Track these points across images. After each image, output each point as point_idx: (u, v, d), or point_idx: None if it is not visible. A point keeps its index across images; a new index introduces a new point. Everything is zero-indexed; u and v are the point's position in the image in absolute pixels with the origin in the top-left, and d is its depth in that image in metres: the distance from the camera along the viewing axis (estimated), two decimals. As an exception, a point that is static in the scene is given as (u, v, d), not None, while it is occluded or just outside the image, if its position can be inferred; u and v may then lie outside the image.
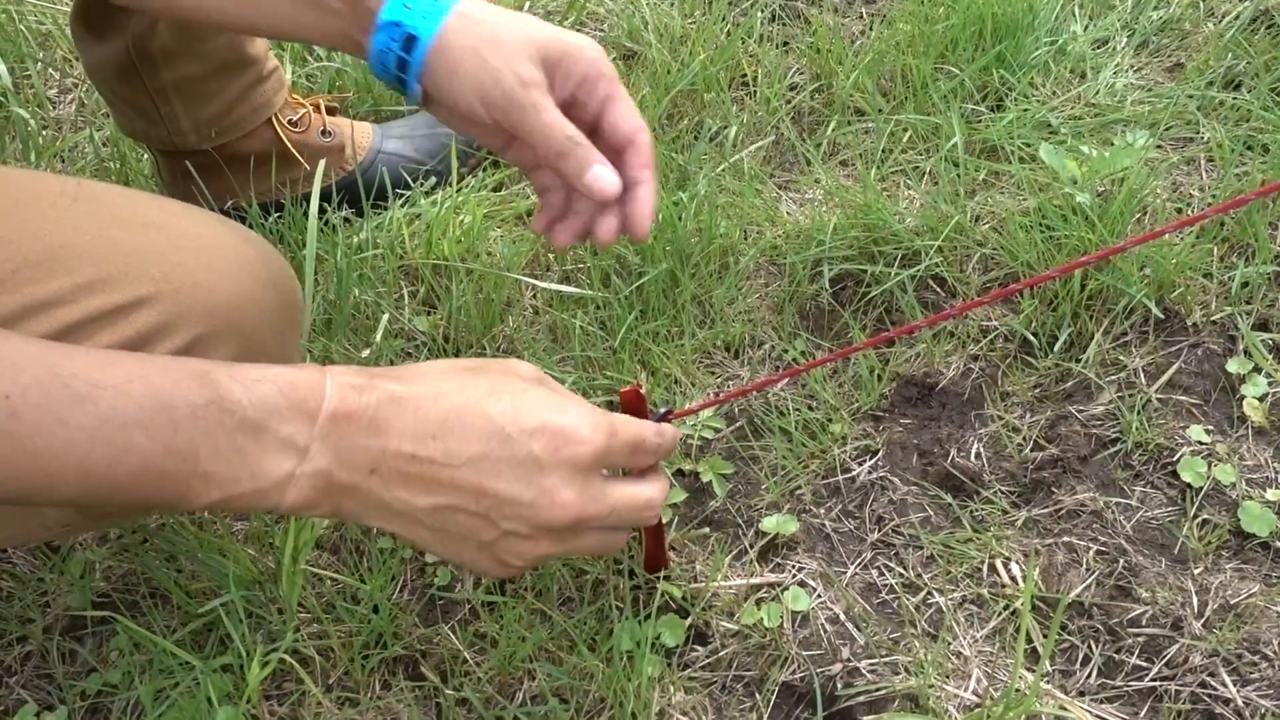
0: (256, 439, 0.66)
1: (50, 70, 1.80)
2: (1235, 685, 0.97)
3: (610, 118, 0.83)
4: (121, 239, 0.83)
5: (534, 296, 1.39)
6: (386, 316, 1.35)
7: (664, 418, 0.86)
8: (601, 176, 0.80)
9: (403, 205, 1.50)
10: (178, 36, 1.22)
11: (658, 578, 1.10)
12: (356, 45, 0.85)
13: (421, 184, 1.52)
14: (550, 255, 1.43)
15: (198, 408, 0.65)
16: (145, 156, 1.58)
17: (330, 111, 1.47)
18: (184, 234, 0.85)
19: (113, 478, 0.65)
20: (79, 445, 0.64)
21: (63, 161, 1.67)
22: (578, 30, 1.73)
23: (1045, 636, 1.03)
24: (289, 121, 1.39)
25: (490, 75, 0.78)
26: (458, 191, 1.51)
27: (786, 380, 1.26)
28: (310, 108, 1.43)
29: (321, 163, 1.34)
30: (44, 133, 1.70)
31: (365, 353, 1.33)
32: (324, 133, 1.43)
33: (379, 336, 1.34)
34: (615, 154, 0.83)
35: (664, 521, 1.15)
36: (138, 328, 0.81)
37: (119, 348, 0.80)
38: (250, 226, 1.43)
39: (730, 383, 1.28)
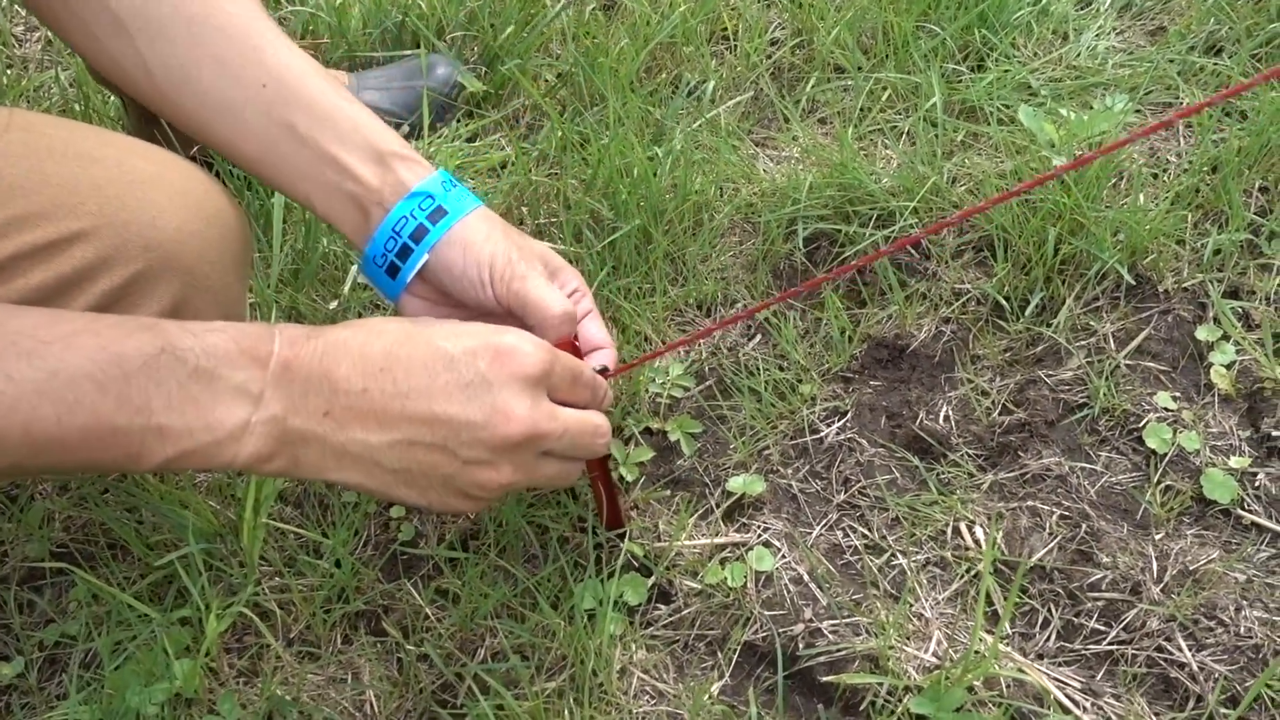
0: (209, 386, 0.66)
1: (15, 8, 1.75)
2: (1191, 650, 0.98)
3: (587, 330, 0.91)
4: (55, 171, 0.80)
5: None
6: (355, 268, 1.33)
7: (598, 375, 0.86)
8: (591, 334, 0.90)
9: (373, 155, 1.47)
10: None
11: (620, 536, 1.10)
12: (363, 214, 0.83)
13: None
14: (523, 208, 1.41)
15: (149, 356, 0.64)
16: (112, 99, 1.55)
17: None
18: (121, 167, 0.83)
19: (61, 437, 0.63)
20: (26, 401, 0.62)
21: (28, 102, 1.64)
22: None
23: (1004, 599, 1.03)
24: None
25: (503, 250, 0.82)
26: (430, 142, 1.49)
27: (741, 331, 1.26)
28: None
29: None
30: (9, 71, 1.67)
31: (333, 304, 1.32)
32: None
33: (347, 288, 1.33)
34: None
35: (620, 479, 1.14)
36: (74, 263, 0.78)
37: (54, 284, 0.78)
38: (217, 174, 1.41)
39: (701, 341, 1.27)
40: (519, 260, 0.82)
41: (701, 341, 1.26)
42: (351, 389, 0.69)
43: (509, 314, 0.82)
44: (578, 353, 0.87)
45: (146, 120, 1.35)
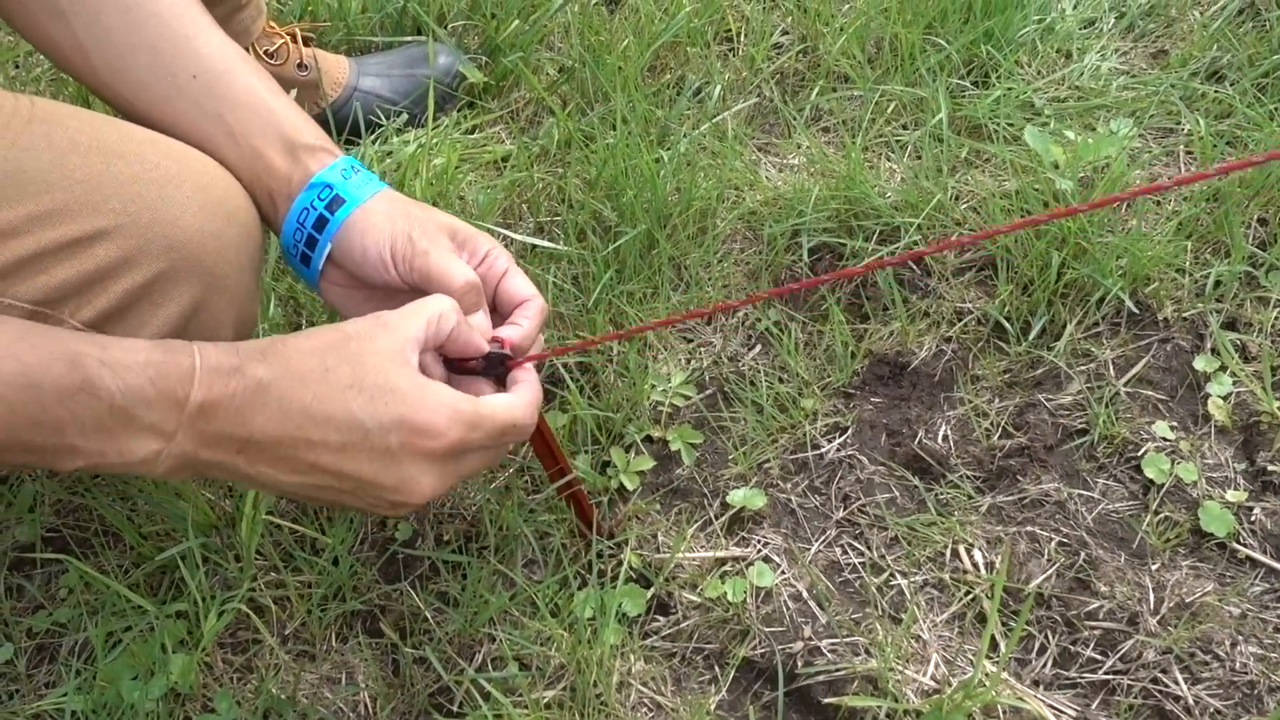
0: (124, 424, 0.67)
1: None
2: (1186, 683, 1.00)
3: (511, 285, 0.88)
4: (79, 166, 0.78)
5: (506, 246, 1.36)
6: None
7: (502, 362, 0.83)
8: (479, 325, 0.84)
9: (375, 142, 1.46)
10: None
11: (620, 543, 1.10)
12: (275, 205, 0.86)
13: (394, 121, 1.48)
14: (524, 205, 1.40)
15: (65, 391, 0.65)
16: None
17: (306, 41, 1.42)
18: (144, 163, 0.81)
19: None
20: None
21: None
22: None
23: (1004, 625, 1.05)
24: (266, 53, 1.34)
25: (401, 230, 0.82)
26: (431, 133, 1.47)
27: (742, 340, 1.26)
28: (287, 37, 1.37)
29: (292, 94, 1.29)
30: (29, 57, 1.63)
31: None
32: (300, 66, 1.38)
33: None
34: (503, 316, 0.88)
35: (620, 487, 1.14)
36: (97, 261, 0.77)
37: (76, 282, 0.77)
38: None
39: (702, 350, 1.27)
40: (419, 237, 0.82)
41: (702, 350, 1.27)
42: (265, 438, 0.70)
43: (416, 292, 0.82)
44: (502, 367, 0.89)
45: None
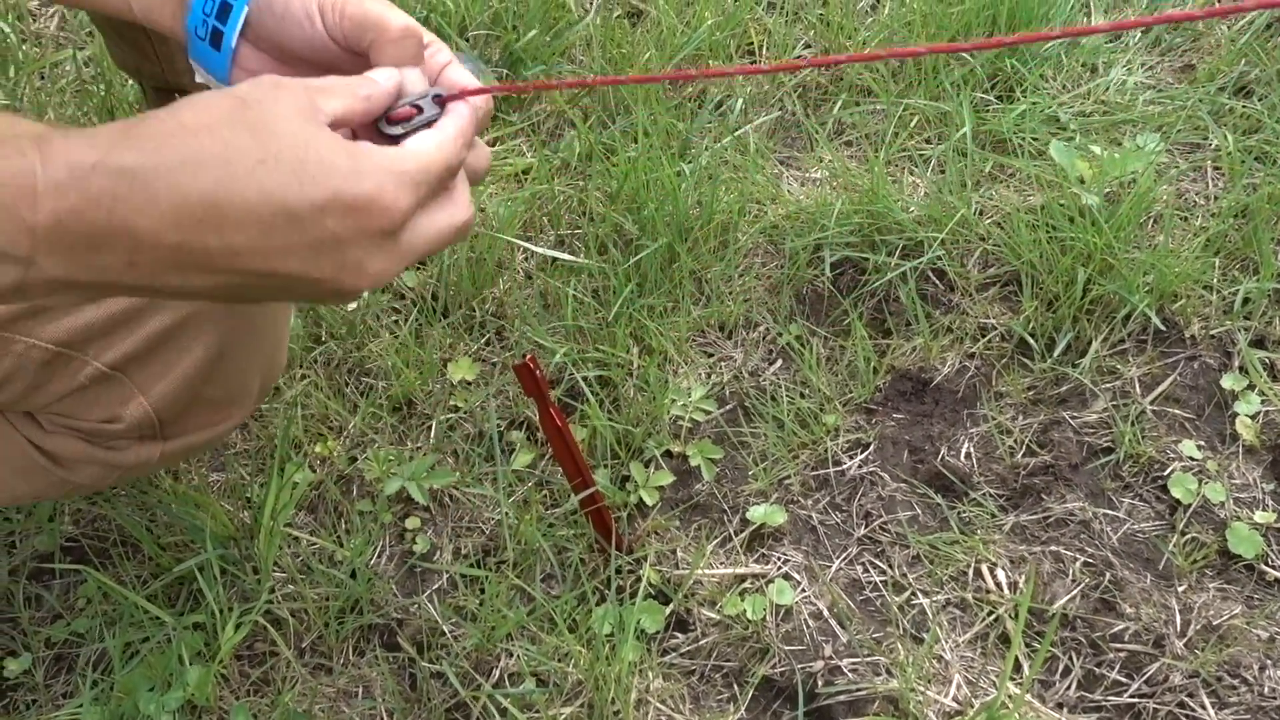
0: None
1: (32, -17, 1.73)
2: (1214, 707, 0.98)
3: (449, 78, 0.71)
4: None
5: (527, 259, 1.36)
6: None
7: (438, 99, 0.67)
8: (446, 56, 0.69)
9: (397, 155, 1.46)
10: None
11: (639, 559, 1.09)
12: (174, 6, 0.73)
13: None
14: (545, 218, 1.40)
15: None
16: (130, 84, 1.53)
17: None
18: None
19: None
20: None
21: (43, 78, 1.61)
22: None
23: (1028, 646, 1.03)
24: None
25: None
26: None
27: (763, 355, 1.25)
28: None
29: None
30: (23, 47, 1.64)
31: (352, 306, 1.30)
32: (321, 77, 1.38)
33: (366, 292, 1.31)
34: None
35: (640, 502, 1.13)
36: (123, 303, 0.77)
37: (104, 323, 0.77)
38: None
39: (722, 364, 1.26)
40: None
41: (722, 364, 1.26)
42: (161, 244, 0.53)
43: (348, 53, 0.70)
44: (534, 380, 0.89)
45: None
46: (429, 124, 0.64)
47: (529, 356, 0.91)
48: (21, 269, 0.53)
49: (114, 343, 0.78)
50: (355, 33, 0.68)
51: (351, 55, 0.69)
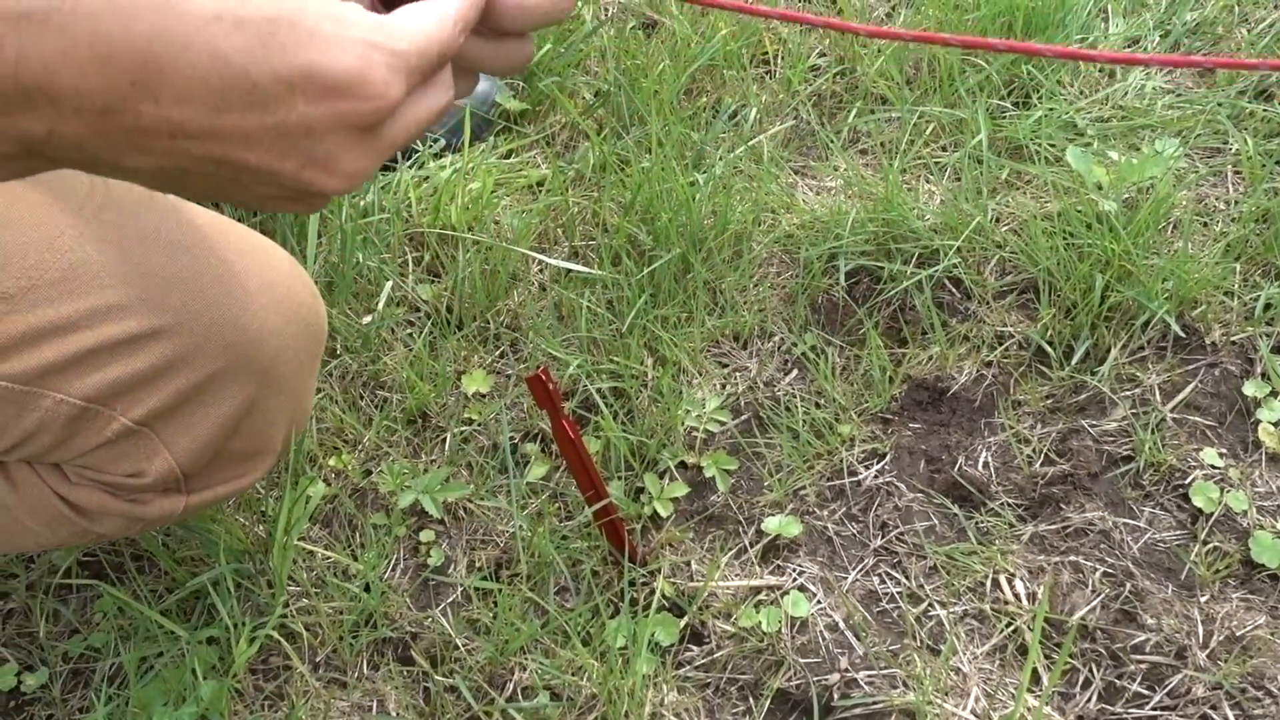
0: None
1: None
2: (1237, 721, 0.96)
3: None
4: (143, 260, 0.77)
5: (541, 271, 1.36)
6: (390, 284, 1.32)
7: None
8: None
9: (411, 167, 1.46)
10: None
11: (653, 571, 1.08)
12: None
13: (430, 146, 1.48)
14: (559, 229, 1.40)
15: None
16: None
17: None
18: (209, 259, 0.79)
19: None
20: None
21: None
22: (598, -2, 1.69)
23: (1046, 658, 1.02)
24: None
25: None
26: (467, 159, 1.47)
27: (778, 365, 1.24)
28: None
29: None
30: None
31: (367, 319, 1.30)
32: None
33: (381, 304, 1.31)
34: None
35: (654, 514, 1.13)
36: (152, 360, 0.77)
37: (130, 379, 0.77)
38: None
39: (737, 375, 1.26)
40: None
41: (738, 375, 1.25)
42: (86, 107, 0.42)
43: None
44: (546, 392, 0.89)
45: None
46: None
47: (541, 369, 0.90)
48: None
49: (141, 398, 0.78)
50: None
51: None
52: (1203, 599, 1.05)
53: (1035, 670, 1.00)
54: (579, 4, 1.64)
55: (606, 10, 1.70)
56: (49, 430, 0.78)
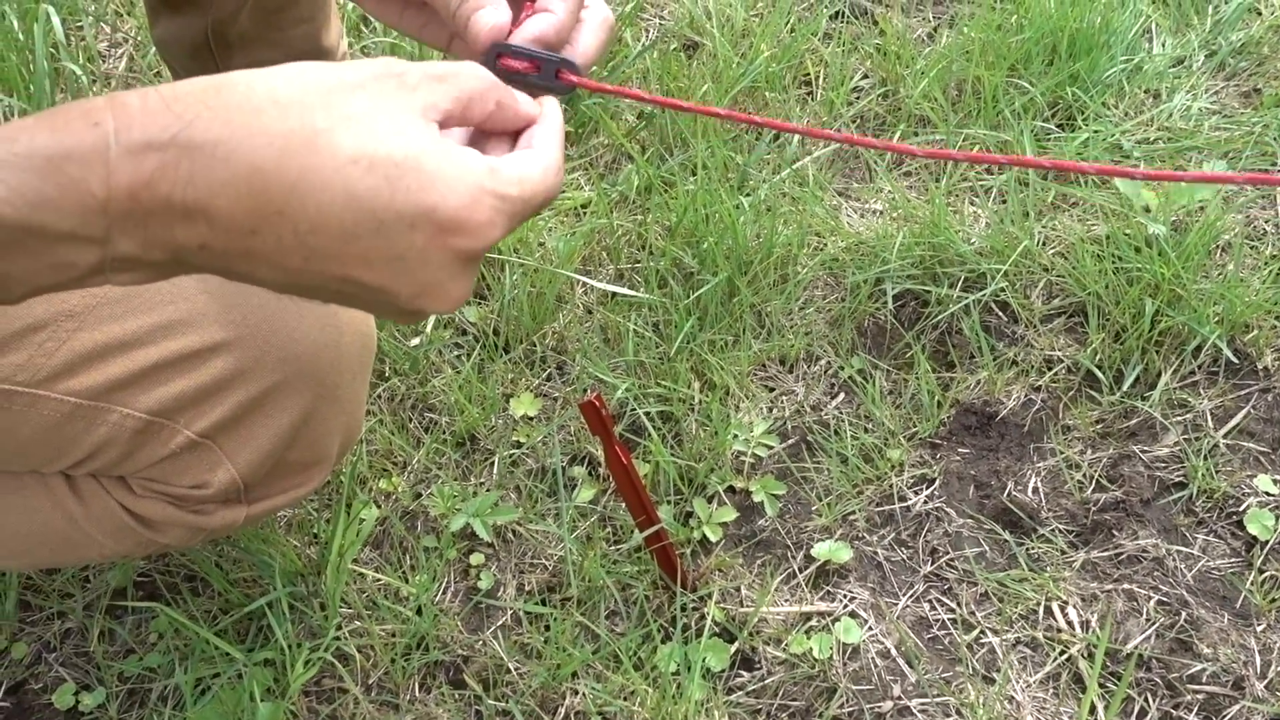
0: (34, 237, 0.48)
1: (101, 24, 1.77)
2: (1296, 753, 0.96)
3: None
4: (202, 276, 0.79)
5: (586, 293, 1.37)
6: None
7: (557, 74, 0.62)
8: (483, 13, 0.62)
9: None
10: (258, 23, 1.19)
11: (704, 596, 1.08)
12: None
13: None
14: (604, 252, 1.40)
15: None
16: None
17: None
18: None
19: None
20: None
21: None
22: (636, 18, 1.70)
23: (1102, 687, 1.01)
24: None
25: None
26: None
27: (825, 389, 1.24)
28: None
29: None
30: (93, 88, 1.68)
31: (415, 342, 1.31)
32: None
33: (429, 327, 1.32)
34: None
35: (703, 538, 1.13)
36: (214, 374, 0.79)
37: (193, 393, 0.79)
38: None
39: (784, 398, 1.26)
40: None
41: (784, 399, 1.25)
42: (235, 228, 0.49)
43: None
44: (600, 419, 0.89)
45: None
46: (539, 88, 0.61)
47: (595, 395, 0.91)
48: (98, 250, 0.49)
49: (204, 411, 0.80)
50: None
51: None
52: (1259, 628, 1.04)
53: (1092, 701, 1.00)
54: (623, 28, 1.66)
55: (648, 32, 1.71)
56: (115, 444, 0.81)
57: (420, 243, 0.51)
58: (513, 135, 0.59)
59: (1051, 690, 1.02)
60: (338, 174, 0.49)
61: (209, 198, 0.48)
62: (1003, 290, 1.29)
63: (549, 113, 0.60)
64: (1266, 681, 1.00)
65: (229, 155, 0.48)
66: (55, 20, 1.60)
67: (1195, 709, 0.99)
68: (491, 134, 0.59)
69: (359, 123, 0.50)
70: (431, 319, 1.32)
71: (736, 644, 1.06)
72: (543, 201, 0.56)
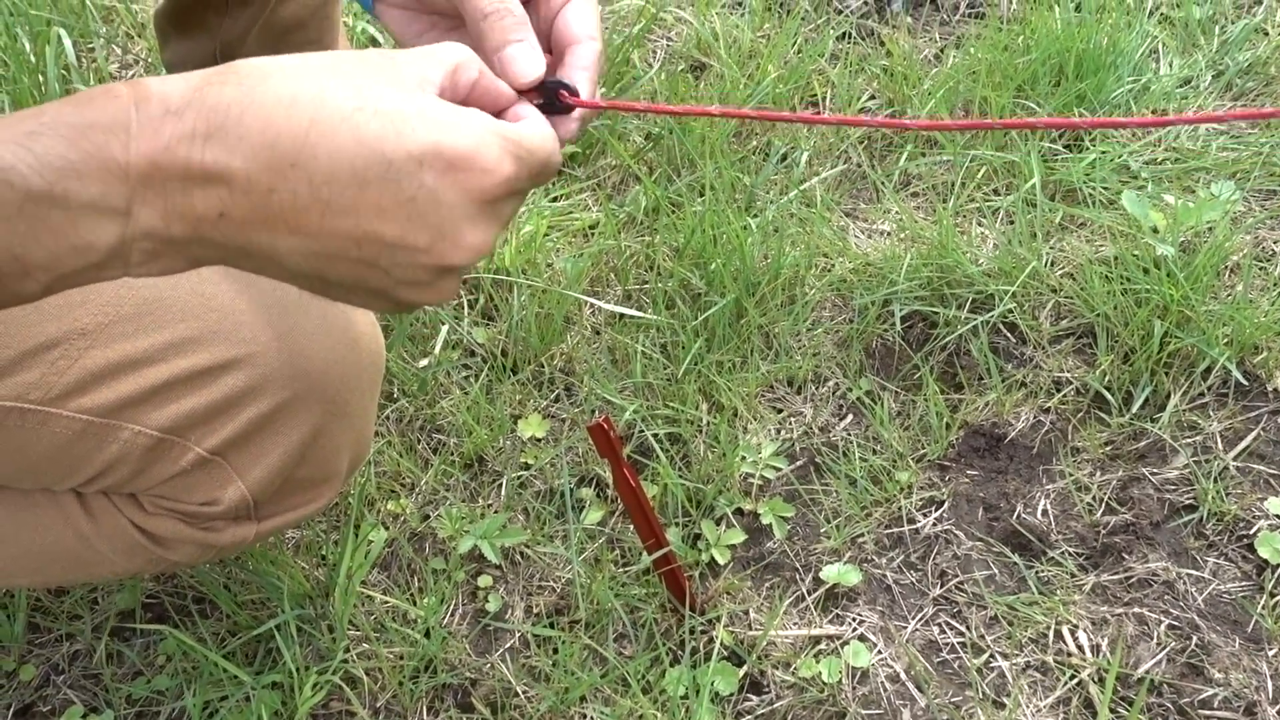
0: (58, 208, 0.49)
1: (113, 46, 1.78)
2: (1310, 779, 0.95)
3: (565, 18, 0.68)
4: (214, 294, 0.80)
5: (594, 315, 1.37)
6: (446, 327, 1.33)
7: (556, 96, 0.64)
8: (518, 56, 0.64)
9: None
10: (267, 46, 1.20)
11: (712, 620, 1.08)
12: None
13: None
14: (612, 273, 1.41)
15: None
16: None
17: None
18: (274, 292, 0.82)
19: None
20: None
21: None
22: (645, 39, 1.71)
23: (1113, 712, 1.01)
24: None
25: None
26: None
27: (833, 410, 1.24)
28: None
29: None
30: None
31: (423, 363, 1.32)
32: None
33: (438, 348, 1.33)
34: (557, 58, 0.68)
35: (711, 560, 1.13)
36: (225, 390, 0.79)
37: (205, 410, 0.79)
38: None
39: (792, 420, 1.26)
40: None
41: (792, 420, 1.25)
42: (253, 189, 0.51)
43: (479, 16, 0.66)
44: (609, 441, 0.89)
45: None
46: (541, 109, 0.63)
47: (604, 417, 0.91)
48: (120, 223, 0.51)
49: (215, 428, 0.81)
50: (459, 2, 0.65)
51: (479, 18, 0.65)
52: (1271, 652, 1.03)
53: (1101, 724, 1.00)
54: (631, 50, 1.66)
55: (656, 54, 1.72)
56: (127, 461, 0.81)
57: (431, 181, 0.53)
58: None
59: (1062, 715, 1.01)
60: (345, 121, 0.51)
61: (226, 158, 0.50)
62: (1011, 311, 1.29)
63: (531, 109, 0.61)
64: (1279, 707, 0.99)
65: (241, 115, 0.50)
66: (67, 42, 1.61)
67: (1207, 734, 0.99)
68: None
69: (363, 81, 0.53)
70: (439, 342, 1.32)
71: (745, 667, 1.05)
72: (545, 162, 0.58)
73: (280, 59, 0.53)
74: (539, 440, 1.25)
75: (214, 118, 0.50)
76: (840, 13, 1.75)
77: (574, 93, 0.63)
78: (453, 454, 1.24)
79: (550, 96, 0.63)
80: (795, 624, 1.09)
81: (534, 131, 0.58)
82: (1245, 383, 1.23)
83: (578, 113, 0.64)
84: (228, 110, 0.50)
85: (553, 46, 0.68)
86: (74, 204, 0.49)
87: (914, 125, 0.62)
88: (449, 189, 0.53)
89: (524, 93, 0.62)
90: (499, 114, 0.60)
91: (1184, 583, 1.09)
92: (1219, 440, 1.19)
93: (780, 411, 1.26)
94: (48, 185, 0.48)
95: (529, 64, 0.63)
